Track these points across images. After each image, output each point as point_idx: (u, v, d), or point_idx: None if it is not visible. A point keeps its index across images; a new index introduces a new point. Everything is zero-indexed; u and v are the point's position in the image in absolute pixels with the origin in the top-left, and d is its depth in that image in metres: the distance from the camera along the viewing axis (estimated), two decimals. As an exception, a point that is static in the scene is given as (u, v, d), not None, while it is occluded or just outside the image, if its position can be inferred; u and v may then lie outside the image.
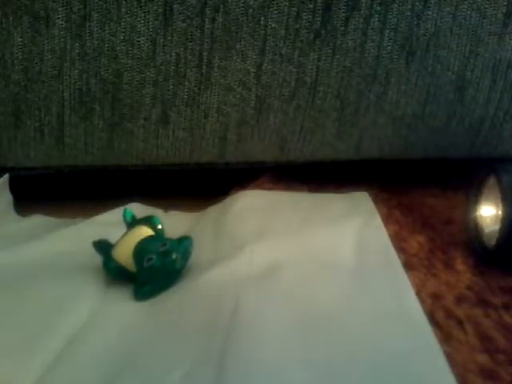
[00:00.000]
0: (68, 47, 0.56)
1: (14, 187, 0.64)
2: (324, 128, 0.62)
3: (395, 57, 0.57)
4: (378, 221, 0.56)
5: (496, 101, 0.60)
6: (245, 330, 0.40)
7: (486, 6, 0.55)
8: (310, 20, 0.55)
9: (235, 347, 0.38)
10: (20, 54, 0.56)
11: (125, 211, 0.52)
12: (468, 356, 0.38)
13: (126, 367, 0.38)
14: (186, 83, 0.58)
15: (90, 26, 0.55)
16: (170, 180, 0.69)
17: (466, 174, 0.57)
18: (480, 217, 0.52)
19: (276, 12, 0.55)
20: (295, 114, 0.61)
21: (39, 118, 0.60)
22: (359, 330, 0.40)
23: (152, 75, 0.58)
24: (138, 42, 0.56)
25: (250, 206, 0.62)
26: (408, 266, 0.48)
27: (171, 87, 0.58)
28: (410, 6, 0.55)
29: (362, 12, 0.55)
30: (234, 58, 0.57)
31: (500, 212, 0.48)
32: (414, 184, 0.65)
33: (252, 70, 0.58)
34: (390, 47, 0.57)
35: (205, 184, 0.69)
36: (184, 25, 0.55)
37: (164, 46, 0.56)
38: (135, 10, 0.55)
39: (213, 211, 0.63)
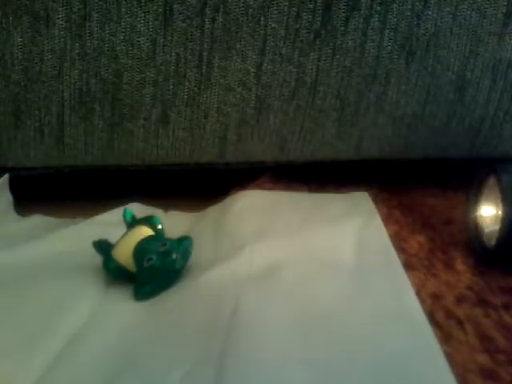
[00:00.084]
0: (68, 47, 0.56)
1: (14, 187, 0.64)
2: (324, 128, 0.62)
3: (395, 57, 0.57)
4: (378, 221, 0.56)
5: (496, 101, 0.60)
6: (245, 330, 0.40)
7: (486, 5, 0.55)
8: (310, 20, 0.55)
9: (235, 347, 0.38)
10: (20, 54, 0.56)
11: (125, 211, 0.52)
12: (468, 356, 0.38)
13: (126, 367, 0.38)
14: (186, 83, 0.58)
15: (89, 26, 0.55)
16: (170, 180, 0.69)
17: (466, 174, 0.57)
18: (480, 217, 0.52)
19: (276, 12, 0.55)
20: (295, 114, 0.61)
21: (39, 118, 0.60)
22: (359, 330, 0.40)
23: (152, 75, 0.58)
24: (138, 42, 0.56)
25: (250, 205, 0.62)
26: (408, 266, 0.48)
27: (171, 87, 0.58)
28: (410, 6, 0.55)
29: (361, 12, 0.55)
30: (234, 58, 0.57)
31: (500, 212, 0.48)
32: (414, 184, 0.65)
33: (252, 70, 0.58)
34: (390, 47, 0.57)
35: (205, 184, 0.69)
36: (184, 25, 0.55)
37: (164, 45, 0.56)
38: (135, 10, 0.55)
39: (213, 211, 0.63)
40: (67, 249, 0.53)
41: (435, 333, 0.39)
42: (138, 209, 0.56)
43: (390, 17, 0.56)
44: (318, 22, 0.56)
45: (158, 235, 0.50)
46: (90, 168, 0.65)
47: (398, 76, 0.58)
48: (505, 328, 0.41)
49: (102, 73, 0.57)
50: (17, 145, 0.61)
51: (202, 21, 0.55)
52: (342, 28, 0.56)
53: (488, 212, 0.52)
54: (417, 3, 0.55)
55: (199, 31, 0.56)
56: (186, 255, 0.49)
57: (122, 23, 0.55)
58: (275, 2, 0.55)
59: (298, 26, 0.56)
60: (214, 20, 0.55)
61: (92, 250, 0.49)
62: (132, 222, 0.51)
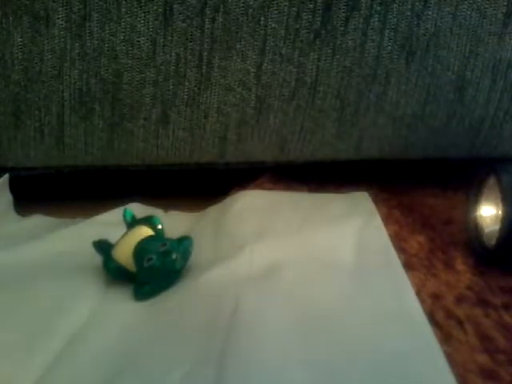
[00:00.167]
0: (68, 47, 0.56)
1: (14, 187, 0.64)
2: (324, 128, 0.62)
3: (395, 57, 0.57)
4: (378, 221, 0.56)
5: (496, 101, 0.60)
6: (245, 330, 0.40)
7: (486, 5, 0.55)
8: (310, 20, 0.55)
9: (235, 347, 0.38)
10: (20, 54, 0.56)
11: (125, 211, 0.52)
12: (468, 356, 0.38)
13: (126, 367, 0.38)
14: (186, 83, 0.58)
15: (90, 26, 0.55)
16: (170, 180, 0.69)
17: (466, 174, 0.57)
18: (480, 217, 0.52)
19: (276, 12, 0.55)
20: (295, 114, 0.61)
21: (39, 118, 0.60)
22: (359, 329, 0.40)
23: (152, 75, 0.58)
24: (138, 42, 0.56)
25: (250, 205, 0.62)
26: (408, 266, 0.48)
27: (171, 87, 0.58)
28: (410, 6, 0.55)
29: (362, 12, 0.55)
30: (234, 58, 0.57)
31: (500, 212, 0.48)
32: (414, 184, 0.65)
33: (252, 69, 0.58)
34: (390, 47, 0.57)
35: (205, 184, 0.69)
36: (184, 25, 0.55)
37: (164, 45, 0.56)
38: (135, 10, 0.55)
39: (213, 211, 0.63)
40: (67, 249, 0.53)
41: (435, 333, 0.39)
42: (138, 209, 0.56)
43: (390, 17, 0.56)
44: (318, 22, 0.56)
45: (158, 235, 0.50)
46: (90, 168, 0.65)
47: (398, 76, 0.58)
48: (505, 328, 0.41)
49: (102, 73, 0.57)
50: (17, 145, 0.61)
51: (202, 21, 0.55)
52: (342, 28, 0.56)
53: (488, 212, 0.52)
54: (417, 3, 0.55)
55: (199, 31, 0.56)
56: (186, 255, 0.49)
57: (122, 23, 0.55)
58: (275, 2, 0.55)
59: (297, 26, 0.56)
60: (214, 20, 0.55)
61: (92, 250, 0.49)
62: (132, 222, 0.51)
